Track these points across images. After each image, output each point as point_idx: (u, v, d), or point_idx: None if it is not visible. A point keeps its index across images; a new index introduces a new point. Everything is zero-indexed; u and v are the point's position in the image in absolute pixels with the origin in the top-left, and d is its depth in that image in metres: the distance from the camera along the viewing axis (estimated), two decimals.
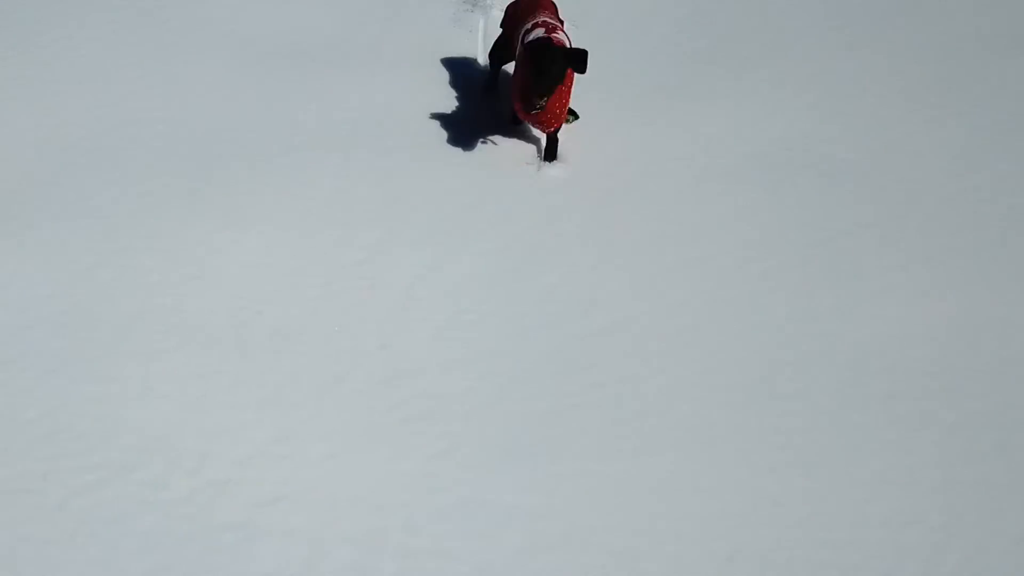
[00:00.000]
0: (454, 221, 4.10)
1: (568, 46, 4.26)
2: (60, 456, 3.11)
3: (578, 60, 4.15)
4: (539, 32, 4.29)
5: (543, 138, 4.44)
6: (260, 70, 4.95)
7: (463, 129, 4.57)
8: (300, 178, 4.29)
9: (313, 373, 3.43)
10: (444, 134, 4.54)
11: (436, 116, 4.62)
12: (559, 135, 4.39)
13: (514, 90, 4.36)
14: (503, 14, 4.71)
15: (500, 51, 4.68)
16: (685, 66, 5.18)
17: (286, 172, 4.31)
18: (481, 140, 4.50)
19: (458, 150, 4.47)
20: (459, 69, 4.98)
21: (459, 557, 2.94)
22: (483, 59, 4.93)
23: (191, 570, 2.86)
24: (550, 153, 4.43)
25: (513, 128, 4.53)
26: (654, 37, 5.44)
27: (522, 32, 4.38)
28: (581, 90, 4.57)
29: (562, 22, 4.50)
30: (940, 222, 4.20)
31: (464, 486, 3.10)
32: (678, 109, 4.81)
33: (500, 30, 4.71)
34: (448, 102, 4.74)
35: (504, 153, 4.48)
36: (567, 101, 4.31)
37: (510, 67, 4.59)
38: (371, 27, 5.35)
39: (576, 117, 4.53)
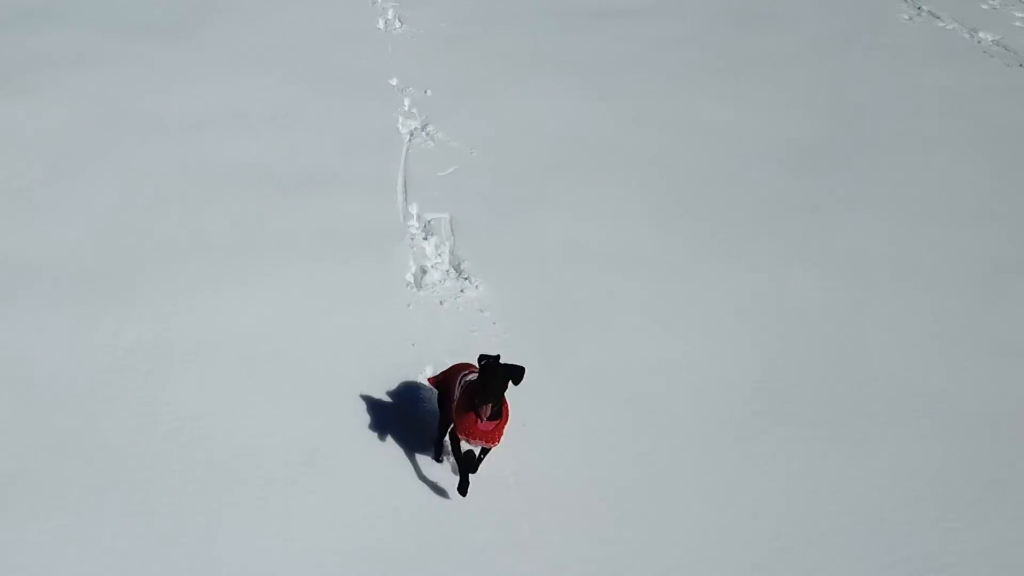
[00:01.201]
0: (387, 287, 6.74)
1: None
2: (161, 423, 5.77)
3: (517, 374, 4.74)
4: (472, 376, 4.99)
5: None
6: (258, 192, 7.61)
7: (392, 228, 7.25)
8: (283, 265, 6.83)
9: (292, 379, 6.04)
10: (380, 236, 7.20)
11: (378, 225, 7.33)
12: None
13: (457, 414, 4.90)
14: (437, 391, 5.36)
15: (446, 423, 5.21)
16: (540, 179, 7.95)
17: (277, 262, 6.83)
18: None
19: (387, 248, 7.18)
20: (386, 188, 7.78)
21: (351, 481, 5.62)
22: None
23: (231, 476, 5.22)
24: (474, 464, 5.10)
25: None
26: (520, 154, 8.25)
27: (458, 381, 5.07)
28: (467, 194, 7.38)
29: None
30: (670, 292, 6.86)
31: (344, 463, 5.73)
32: (528, 213, 7.42)
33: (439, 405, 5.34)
34: (384, 213, 7.46)
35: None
36: (503, 428, 4.92)
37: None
38: (336, 157, 8.13)
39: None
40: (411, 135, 8.50)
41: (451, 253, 6.99)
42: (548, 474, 5.33)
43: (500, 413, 4.82)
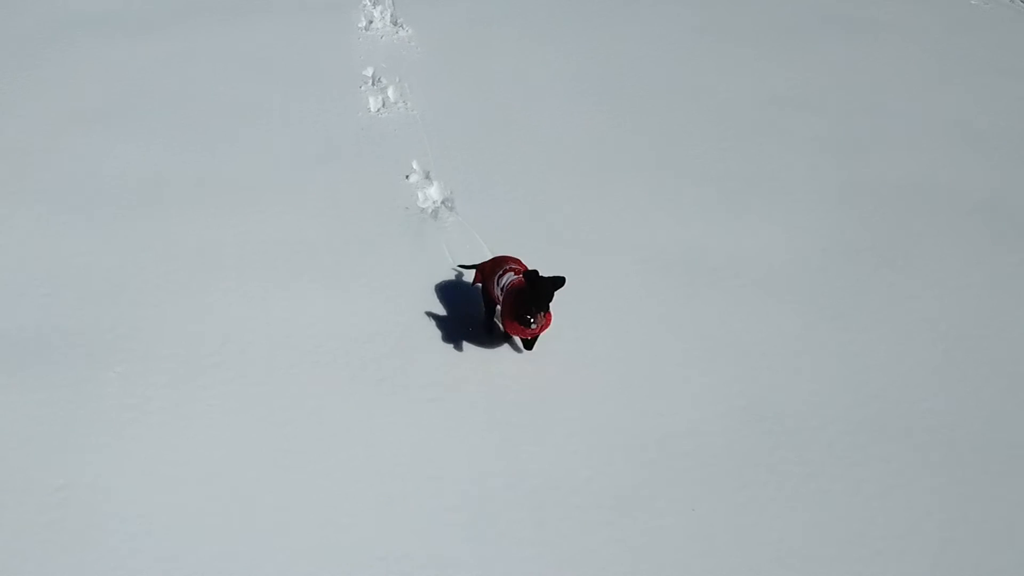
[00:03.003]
0: (345, 31, 9.73)
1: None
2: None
3: (560, 283, 5.12)
4: (511, 276, 5.33)
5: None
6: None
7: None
8: (271, 15, 9.95)
9: (282, 79, 9.03)
10: (342, 7, 10.23)
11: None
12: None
13: (505, 319, 5.27)
14: (476, 272, 5.75)
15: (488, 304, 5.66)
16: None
17: (265, 14, 9.98)
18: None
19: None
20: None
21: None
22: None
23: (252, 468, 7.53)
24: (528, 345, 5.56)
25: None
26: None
27: (495, 281, 5.39)
28: None
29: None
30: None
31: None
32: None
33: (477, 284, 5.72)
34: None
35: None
36: (549, 320, 5.31)
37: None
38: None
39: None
40: None
41: (391, 16, 10.01)
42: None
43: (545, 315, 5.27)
